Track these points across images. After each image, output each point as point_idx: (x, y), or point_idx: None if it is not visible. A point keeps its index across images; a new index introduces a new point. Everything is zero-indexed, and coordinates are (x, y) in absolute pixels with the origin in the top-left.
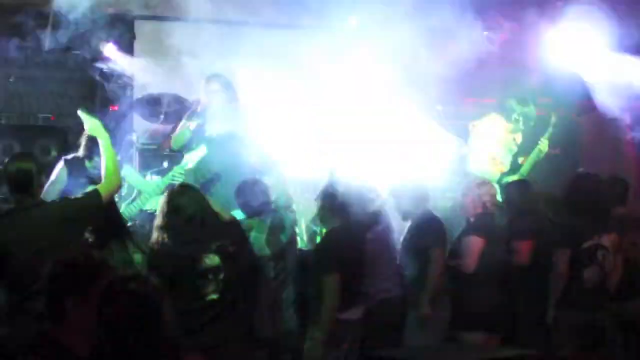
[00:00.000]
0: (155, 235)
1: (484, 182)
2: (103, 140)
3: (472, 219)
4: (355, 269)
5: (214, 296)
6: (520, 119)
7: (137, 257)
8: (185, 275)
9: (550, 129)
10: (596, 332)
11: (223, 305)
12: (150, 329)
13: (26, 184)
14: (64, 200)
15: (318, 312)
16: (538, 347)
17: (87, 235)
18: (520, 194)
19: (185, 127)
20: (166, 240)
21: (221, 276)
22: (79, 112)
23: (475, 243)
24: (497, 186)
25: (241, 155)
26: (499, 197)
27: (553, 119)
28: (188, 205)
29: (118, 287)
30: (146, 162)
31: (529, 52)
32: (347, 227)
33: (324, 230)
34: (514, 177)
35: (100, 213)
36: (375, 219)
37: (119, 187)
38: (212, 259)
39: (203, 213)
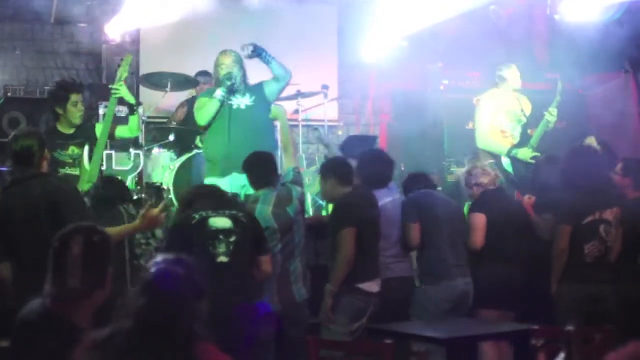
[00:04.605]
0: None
1: (483, 171)
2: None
3: (474, 197)
4: (372, 233)
5: (224, 259)
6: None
7: (158, 232)
8: (197, 234)
9: (557, 98)
10: (599, 305)
11: (231, 269)
12: (173, 315)
13: (28, 159)
14: (68, 184)
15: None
16: (543, 322)
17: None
18: (547, 170)
19: (210, 100)
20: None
21: (232, 238)
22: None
23: (477, 219)
24: (507, 159)
25: (262, 130)
26: (499, 174)
27: (560, 87)
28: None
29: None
30: (152, 136)
31: (536, 27)
32: (361, 191)
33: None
34: (524, 149)
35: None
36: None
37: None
38: (224, 222)
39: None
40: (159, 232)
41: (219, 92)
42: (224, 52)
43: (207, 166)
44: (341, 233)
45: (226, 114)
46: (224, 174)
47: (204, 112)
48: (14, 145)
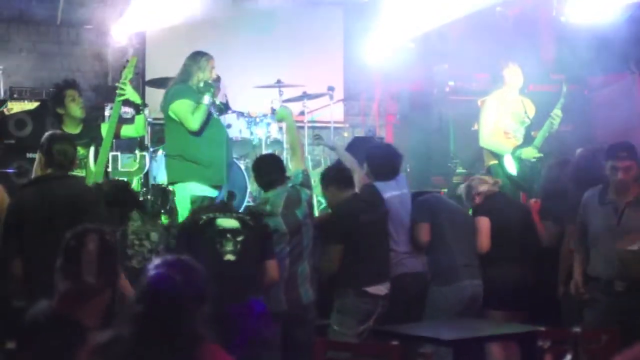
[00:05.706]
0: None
1: (480, 180)
2: None
3: (478, 202)
4: (374, 235)
5: (231, 257)
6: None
7: (153, 234)
8: (205, 233)
9: (562, 99)
10: None
11: (238, 268)
12: (172, 315)
13: (68, 163)
14: (91, 190)
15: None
16: (550, 324)
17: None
18: (555, 175)
19: (202, 104)
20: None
21: (239, 238)
22: None
23: (482, 223)
24: (512, 160)
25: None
26: (499, 180)
27: (564, 89)
28: None
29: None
30: (158, 137)
31: (541, 29)
32: (364, 195)
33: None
34: (527, 149)
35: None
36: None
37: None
38: (232, 222)
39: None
40: (153, 235)
41: (208, 99)
42: (209, 56)
43: (183, 166)
44: (327, 248)
45: (223, 123)
46: (214, 181)
47: (199, 117)
48: (53, 147)
